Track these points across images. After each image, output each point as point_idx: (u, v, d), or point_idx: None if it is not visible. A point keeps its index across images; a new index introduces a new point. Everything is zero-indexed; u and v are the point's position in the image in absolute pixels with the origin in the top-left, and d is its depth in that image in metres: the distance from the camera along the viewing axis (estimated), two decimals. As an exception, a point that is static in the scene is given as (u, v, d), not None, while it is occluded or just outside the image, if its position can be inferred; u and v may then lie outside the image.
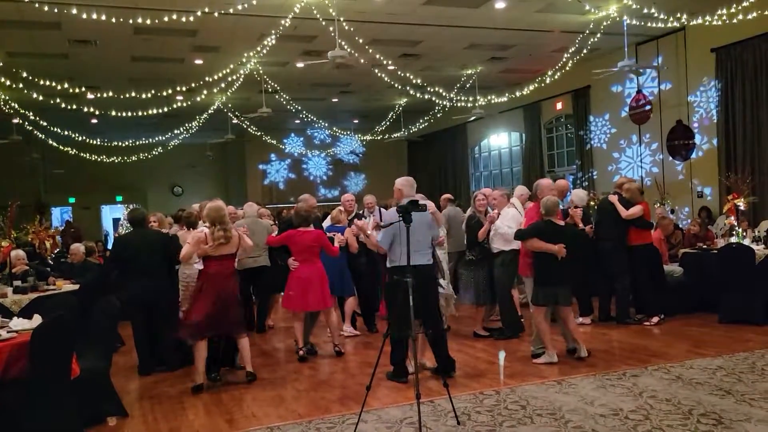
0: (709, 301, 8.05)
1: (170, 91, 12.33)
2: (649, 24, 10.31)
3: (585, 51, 11.72)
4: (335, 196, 21.44)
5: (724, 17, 9.59)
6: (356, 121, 20.91)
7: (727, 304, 7.65)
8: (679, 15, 9.78)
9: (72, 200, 22.70)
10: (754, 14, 9.49)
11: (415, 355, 4.97)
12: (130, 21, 9.07)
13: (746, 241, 8.16)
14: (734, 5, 9.43)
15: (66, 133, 15.53)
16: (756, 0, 9.26)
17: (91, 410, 4.84)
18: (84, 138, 16.38)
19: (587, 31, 10.97)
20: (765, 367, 5.63)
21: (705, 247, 8.75)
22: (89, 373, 4.72)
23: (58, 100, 12.23)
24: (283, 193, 22.17)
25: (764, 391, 4.95)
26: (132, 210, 7.36)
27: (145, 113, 13.63)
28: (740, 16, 9.51)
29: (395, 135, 18.79)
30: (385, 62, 11.36)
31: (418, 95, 14.27)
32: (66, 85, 11.41)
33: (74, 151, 17.45)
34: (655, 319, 7.79)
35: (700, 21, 9.83)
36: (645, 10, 9.69)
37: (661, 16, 9.72)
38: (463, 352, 6.81)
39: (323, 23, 9.38)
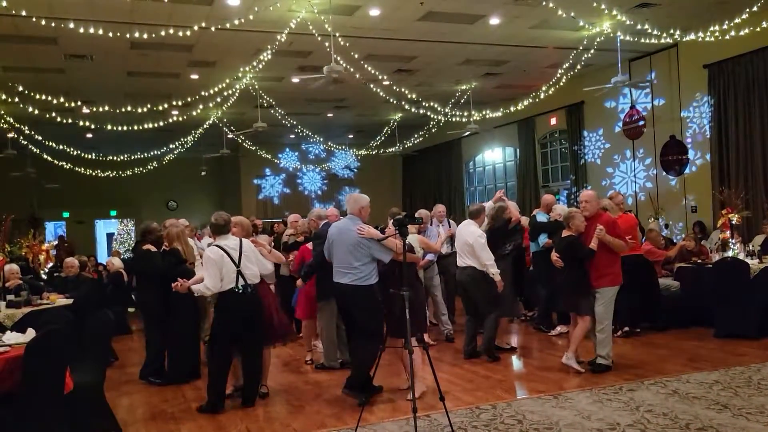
0: (705, 315, 8.06)
1: (166, 106, 12.36)
2: (642, 40, 10.42)
3: (579, 67, 11.83)
4: (330, 212, 21.39)
5: (717, 34, 9.70)
6: (351, 136, 20.97)
7: (722, 318, 7.65)
8: (672, 31, 9.87)
9: (66, 215, 22.59)
10: (746, 31, 9.59)
11: (411, 370, 4.91)
12: (127, 36, 9.09)
13: (740, 255, 8.19)
14: (726, 22, 9.54)
15: (61, 147, 15.48)
16: (748, 17, 9.38)
17: (84, 426, 4.78)
18: (79, 152, 16.35)
19: (581, 47, 11.05)
20: (761, 381, 5.63)
21: (699, 261, 8.77)
22: (83, 387, 4.68)
23: (53, 115, 12.20)
24: (277, 207, 22.15)
25: (760, 405, 4.95)
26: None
27: (140, 128, 13.62)
28: (732, 33, 9.62)
29: (390, 150, 18.83)
30: (380, 77, 11.42)
31: (413, 110, 14.32)
32: (61, 100, 11.38)
33: (69, 165, 17.37)
34: (618, 333, 7.78)
35: (692, 37, 9.93)
36: (638, 27, 9.78)
37: (654, 33, 9.81)
38: (458, 366, 6.80)
39: (319, 39, 9.42)
